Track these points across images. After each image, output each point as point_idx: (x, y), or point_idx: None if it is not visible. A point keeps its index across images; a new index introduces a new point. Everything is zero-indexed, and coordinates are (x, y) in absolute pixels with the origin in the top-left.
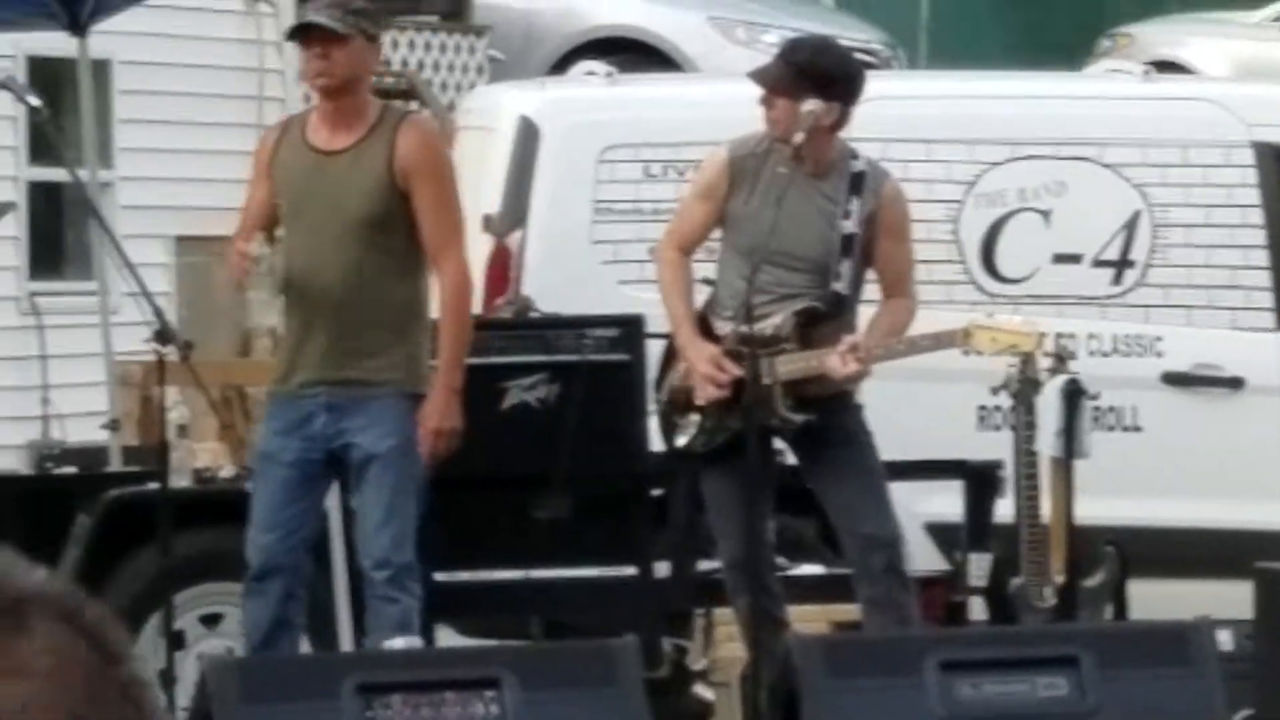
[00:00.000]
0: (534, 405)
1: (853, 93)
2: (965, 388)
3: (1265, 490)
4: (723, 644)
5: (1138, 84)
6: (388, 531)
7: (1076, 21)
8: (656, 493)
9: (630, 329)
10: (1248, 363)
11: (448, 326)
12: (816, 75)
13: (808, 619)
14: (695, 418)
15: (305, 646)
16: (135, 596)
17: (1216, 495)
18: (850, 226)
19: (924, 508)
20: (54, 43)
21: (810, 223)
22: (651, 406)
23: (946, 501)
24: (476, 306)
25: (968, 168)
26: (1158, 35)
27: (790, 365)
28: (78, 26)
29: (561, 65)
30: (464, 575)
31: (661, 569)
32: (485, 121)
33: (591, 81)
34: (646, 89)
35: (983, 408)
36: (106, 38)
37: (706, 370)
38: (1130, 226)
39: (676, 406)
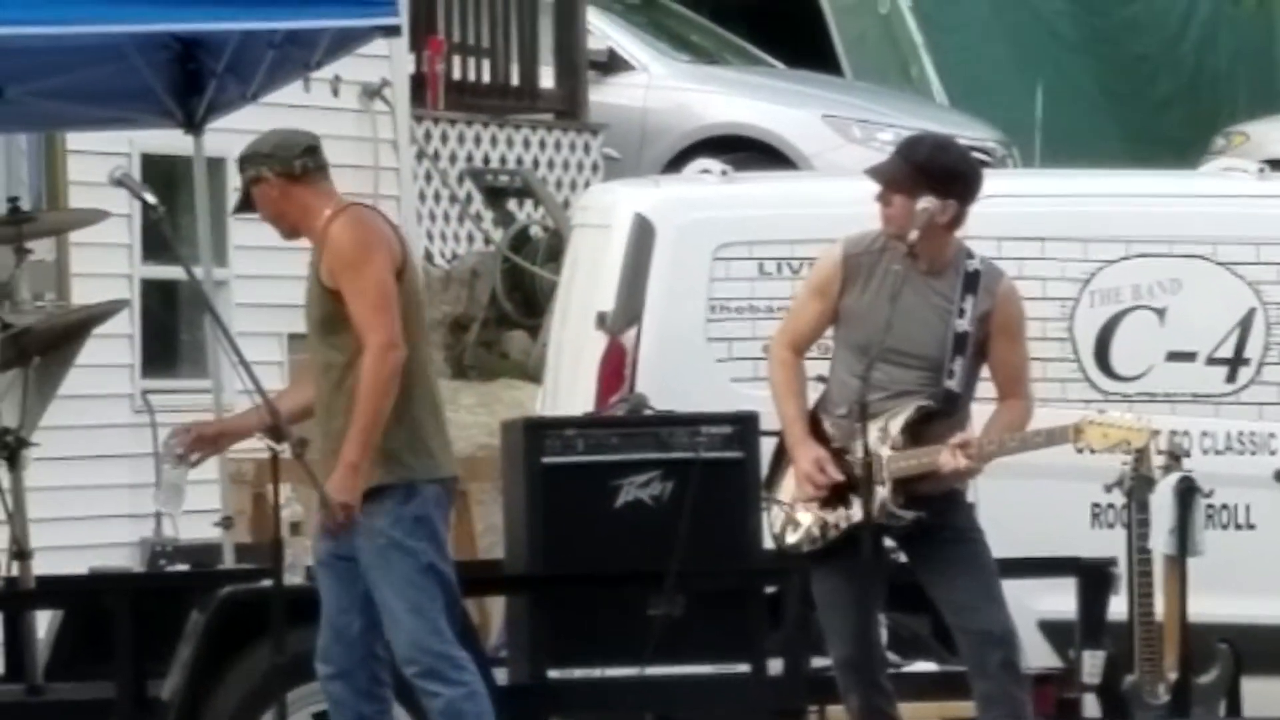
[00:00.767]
0: (648, 502)
1: (970, 191)
2: (1079, 485)
3: None
4: None
5: (1252, 182)
6: (401, 630)
7: (1191, 119)
8: (770, 590)
9: (744, 426)
10: None
11: (359, 403)
12: (935, 173)
13: (921, 716)
14: (806, 516)
15: None
16: (248, 694)
17: None
18: (964, 325)
19: (1038, 605)
20: (169, 140)
21: (925, 320)
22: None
23: (1060, 599)
24: (592, 406)
25: (1082, 266)
26: (1273, 133)
27: (902, 462)
28: (192, 124)
29: (676, 163)
30: (578, 672)
31: (775, 666)
32: (600, 219)
33: (706, 179)
34: (761, 187)
35: (1096, 505)
36: (221, 135)
37: (808, 469)
38: (1244, 324)
39: (788, 504)
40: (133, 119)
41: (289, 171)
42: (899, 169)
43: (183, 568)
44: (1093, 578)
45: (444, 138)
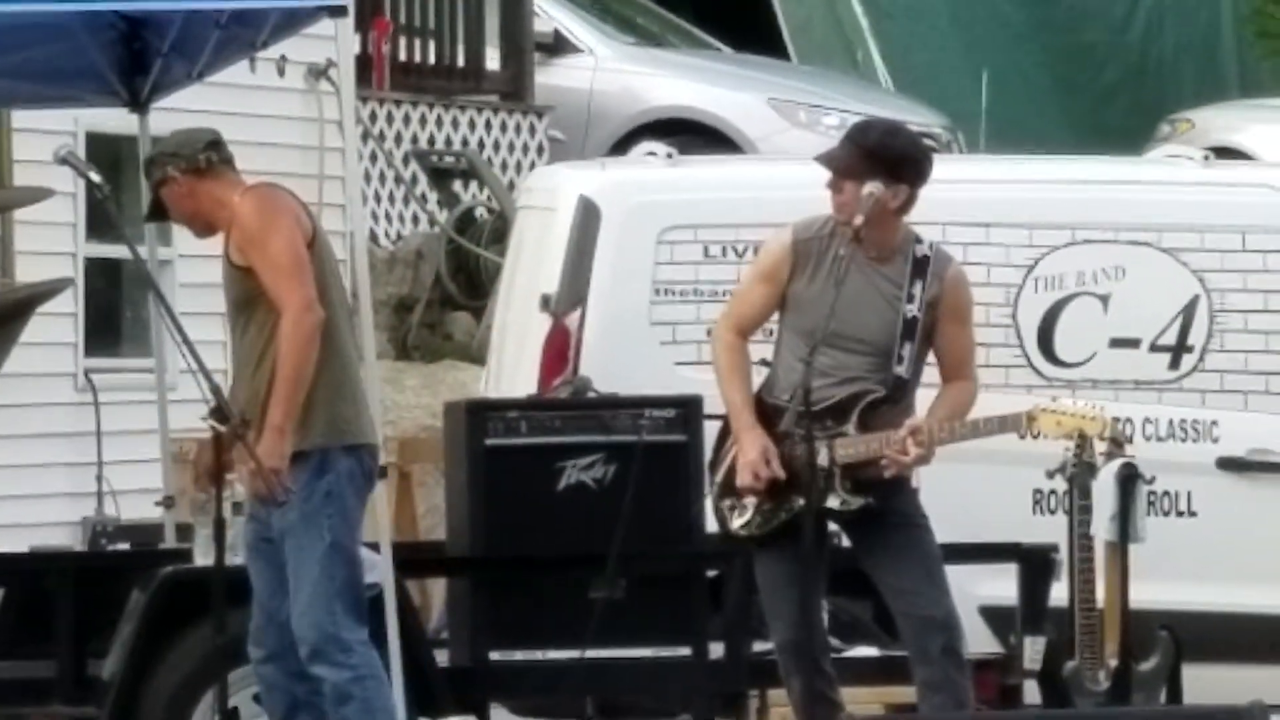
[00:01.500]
0: (590, 485)
1: (921, 176)
2: (1021, 471)
3: None
4: None
5: (1197, 169)
6: (296, 606)
7: (1137, 107)
8: (712, 573)
9: (688, 410)
10: None
11: (279, 366)
12: (886, 158)
13: (862, 701)
14: (751, 500)
15: None
16: (189, 673)
17: (1271, 580)
18: (913, 310)
19: (979, 590)
20: (114, 119)
21: (873, 306)
22: (707, 488)
23: (1001, 585)
24: (535, 388)
25: (1026, 251)
26: (1218, 121)
27: (850, 449)
28: (138, 103)
29: (621, 146)
30: (519, 655)
31: (716, 650)
32: (545, 201)
33: (651, 162)
34: (706, 170)
35: (1038, 491)
36: (167, 114)
37: (754, 459)
38: (1188, 311)
39: (732, 489)
40: (78, 98)
41: (195, 167)
42: (849, 155)
43: (124, 547)
44: (1034, 564)
45: (389, 119)
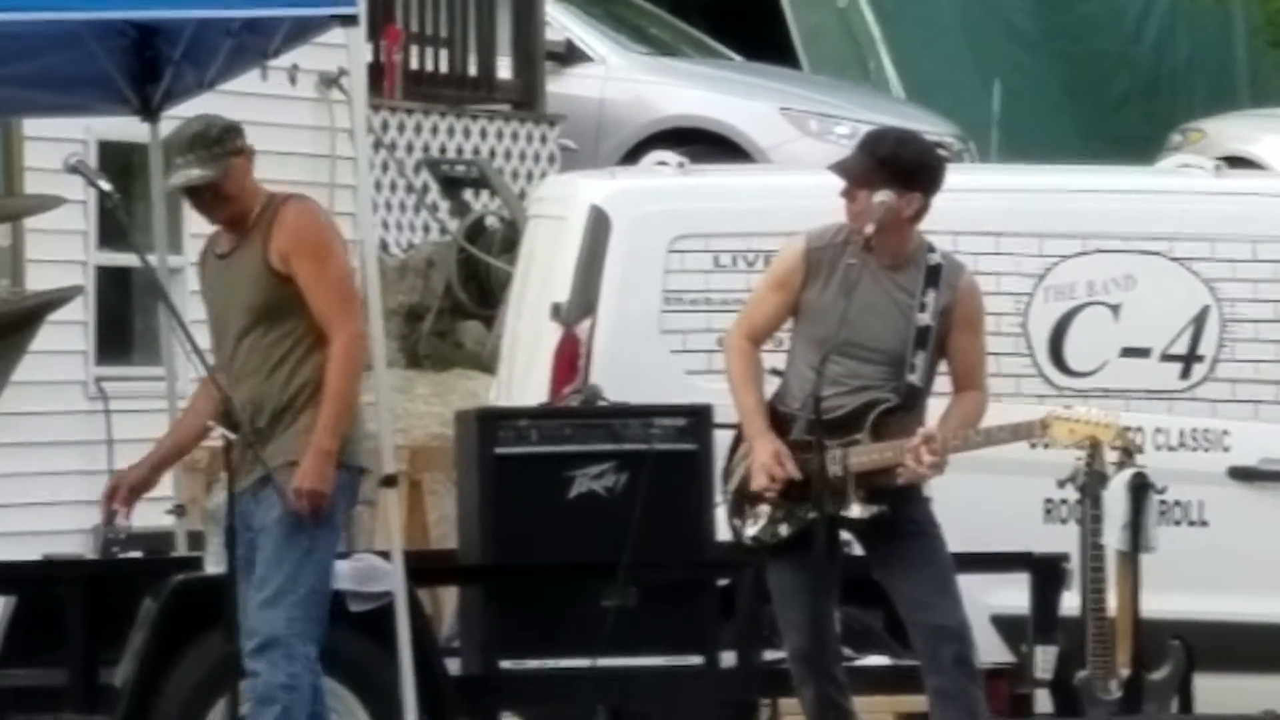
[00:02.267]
0: (601, 494)
1: (934, 184)
2: (1032, 481)
3: None
4: None
5: (1209, 179)
6: (257, 601)
7: (1149, 116)
8: (723, 582)
9: (698, 419)
10: None
11: (327, 390)
12: (899, 167)
13: (874, 710)
14: (764, 509)
15: None
16: (200, 681)
17: None
18: (926, 319)
19: (990, 600)
20: (125, 127)
21: (885, 314)
22: (718, 496)
23: (1013, 594)
24: (546, 397)
25: (1037, 261)
26: (1229, 130)
27: (863, 457)
28: (149, 111)
29: (633, 155)
30: (530, 663)
31: (728, 658)
32: (556, 210)
33: (662, 171)
34: (717, 179)
35: (1049, 501)
36: (177, 123)
37: (767, 461)
38: (1199, 321)
39: (745, 497)
40: (90, 106)
41: (244, 147)
42: (862, 164)
43: (136, 555)
44: (1045, 573)
45: (401, 127)
